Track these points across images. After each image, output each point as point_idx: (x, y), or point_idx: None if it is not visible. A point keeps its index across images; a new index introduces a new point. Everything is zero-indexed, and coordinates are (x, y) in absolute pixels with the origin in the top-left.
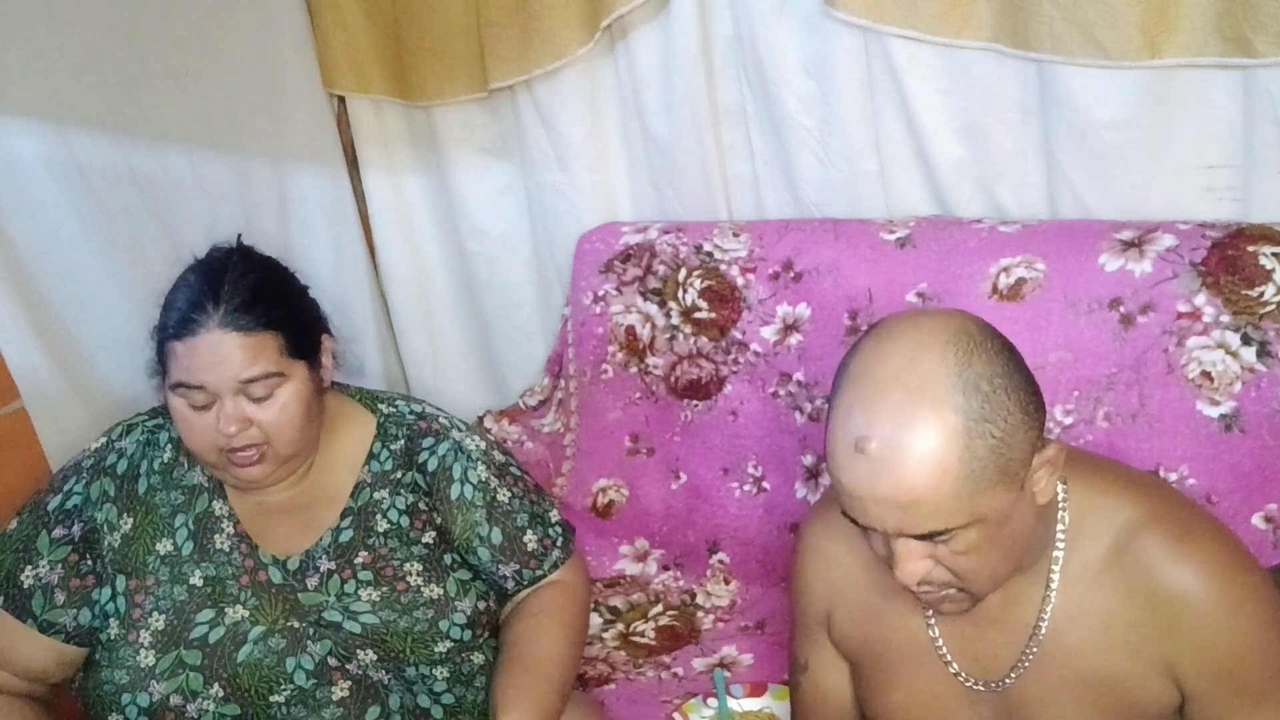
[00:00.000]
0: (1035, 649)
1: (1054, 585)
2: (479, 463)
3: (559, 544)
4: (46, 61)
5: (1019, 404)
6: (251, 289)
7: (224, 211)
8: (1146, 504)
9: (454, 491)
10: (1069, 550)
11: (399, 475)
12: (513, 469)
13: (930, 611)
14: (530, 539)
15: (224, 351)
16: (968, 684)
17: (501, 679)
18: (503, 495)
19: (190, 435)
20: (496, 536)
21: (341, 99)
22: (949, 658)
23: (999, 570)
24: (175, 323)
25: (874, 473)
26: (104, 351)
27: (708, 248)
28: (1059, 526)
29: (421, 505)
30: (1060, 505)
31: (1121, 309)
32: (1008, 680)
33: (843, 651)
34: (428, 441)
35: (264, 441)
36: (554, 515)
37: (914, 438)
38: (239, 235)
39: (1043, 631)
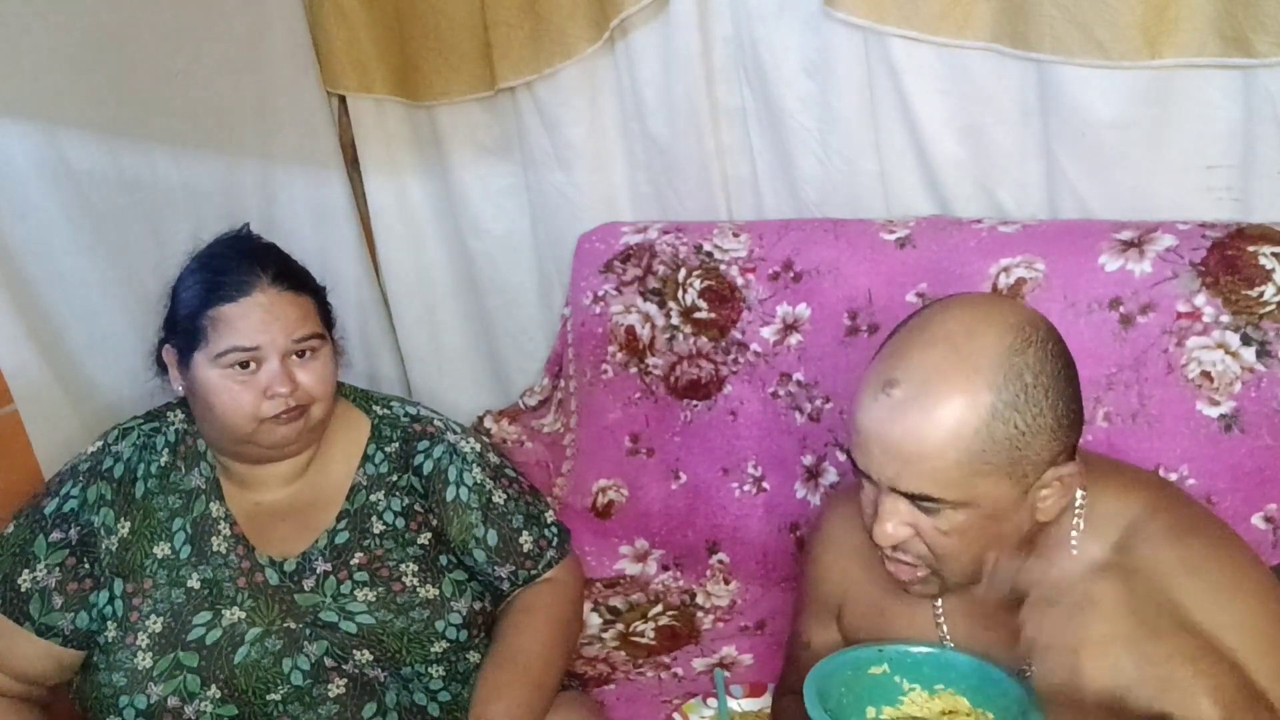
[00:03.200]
0: None
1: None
2: (474, 465)
3: (554, 544)
4: (38, 63)
5: (1054, 410)
6: (285, 257)
7: (210, 213)
8: (1150, 499)
9: (450, 494)
10: (1080, 555)
11: (394, 478)
12: (508, 470)
13: (940, 610)
14: (526, 540)
15: (279, 309)
16: None
17: (484, 674)
18: (498, 497)
19: (234, 407)
20: (492, 538)
21: (342, 99)
22: None
23: (975, 564)
24: (224, 286)
25: (890, 416)
26: (91, 352)
27: (707, 248)
28: (1073, 533)
29: (417, 507)
30: (1076, 511)
31: (1121, 309)
32: None
33: (851, 641)
34: (423, 444)
35: (304, 404)
36: (549, 516)
37: (939, 397)
38: (246, 224)
39: None
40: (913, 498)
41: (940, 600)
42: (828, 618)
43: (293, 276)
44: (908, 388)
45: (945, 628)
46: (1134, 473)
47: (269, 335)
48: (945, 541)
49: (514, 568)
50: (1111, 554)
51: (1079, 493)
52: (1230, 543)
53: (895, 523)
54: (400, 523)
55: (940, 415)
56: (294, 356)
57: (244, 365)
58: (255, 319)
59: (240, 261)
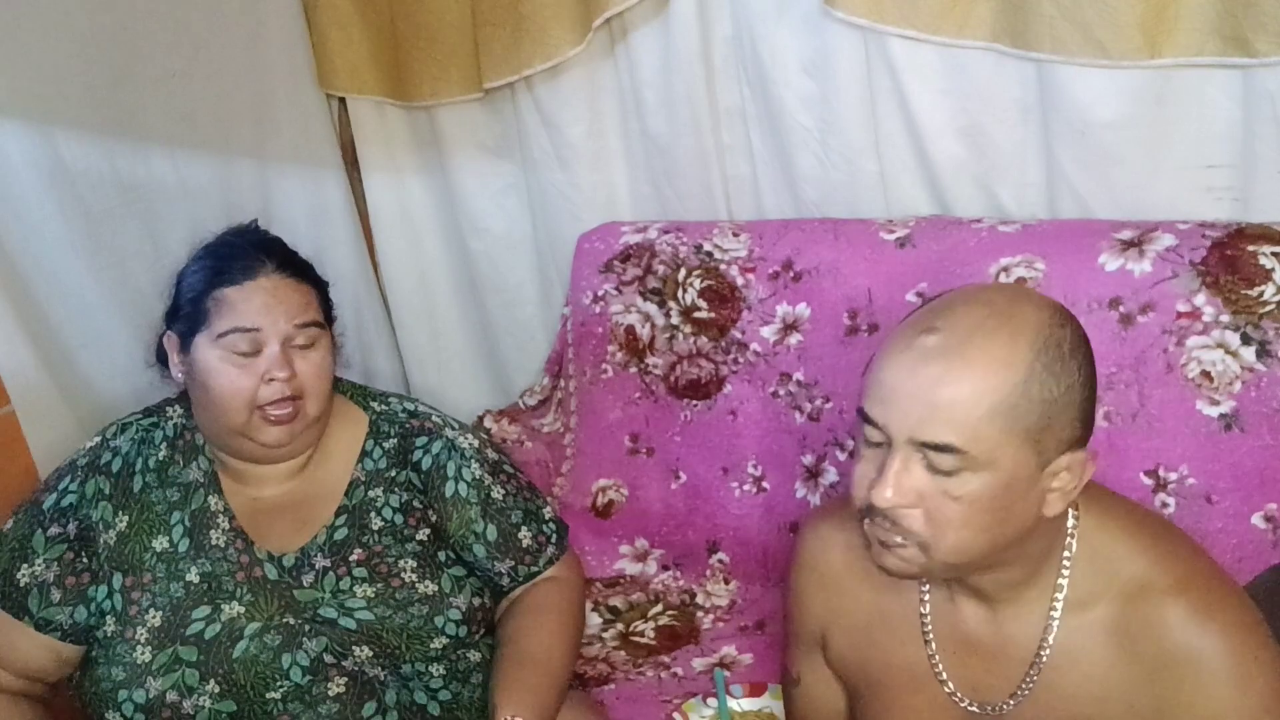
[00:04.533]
0: (1035, 678)
1: (1055, 616)
2: (472, 460)
3: (553, 540)
4: (34, 62)
5: (1082, 389)
6: (291, 249)
7: (206, 213)
8: (1174, 570)
9: (449, 489)
10: (1072, 583)
11: (393, 474)
12: (506, 467)
13: (930, 633)
14: (525, 535)
15: (282, 294)
16: (965, 706)
17: (499, 675)
18: (497, 493)
19: (231, 390)
20: (491, 533)
21: (342, 100)
22: (946, 680)
23: (971, 544)
24: (230, 270)
25: (925, 359)
26: (87, 351)
27: (707, 247)
28: (1064, 554)
29: (416, 503)
30: (1069, 533)
31: (1121, 308)
32: (1006, 706)
33: (839, 673)
34: (421, 440)
35: (300, 395)
36: (548, 512)
37: (982, 347)
38: (254, 219)
39: (1043, 660)
40: (934, 450)
41: (931, 625)
42: (813, 650)
43: (297, 266)
44: (948, 335)
45: (934, 647)
46: (1139, 519)
47: (270, 318)
48: (952, 510)
49: (514, 563)
50: (1113, 610)
51: (1071, 515)
52: (1250, 630)
53: (900, 487)
54: (399, 519)
55: (981, 363)
56: (294, 346)
57: (244, 350)
58: (258, 302)
59: (246, 249)
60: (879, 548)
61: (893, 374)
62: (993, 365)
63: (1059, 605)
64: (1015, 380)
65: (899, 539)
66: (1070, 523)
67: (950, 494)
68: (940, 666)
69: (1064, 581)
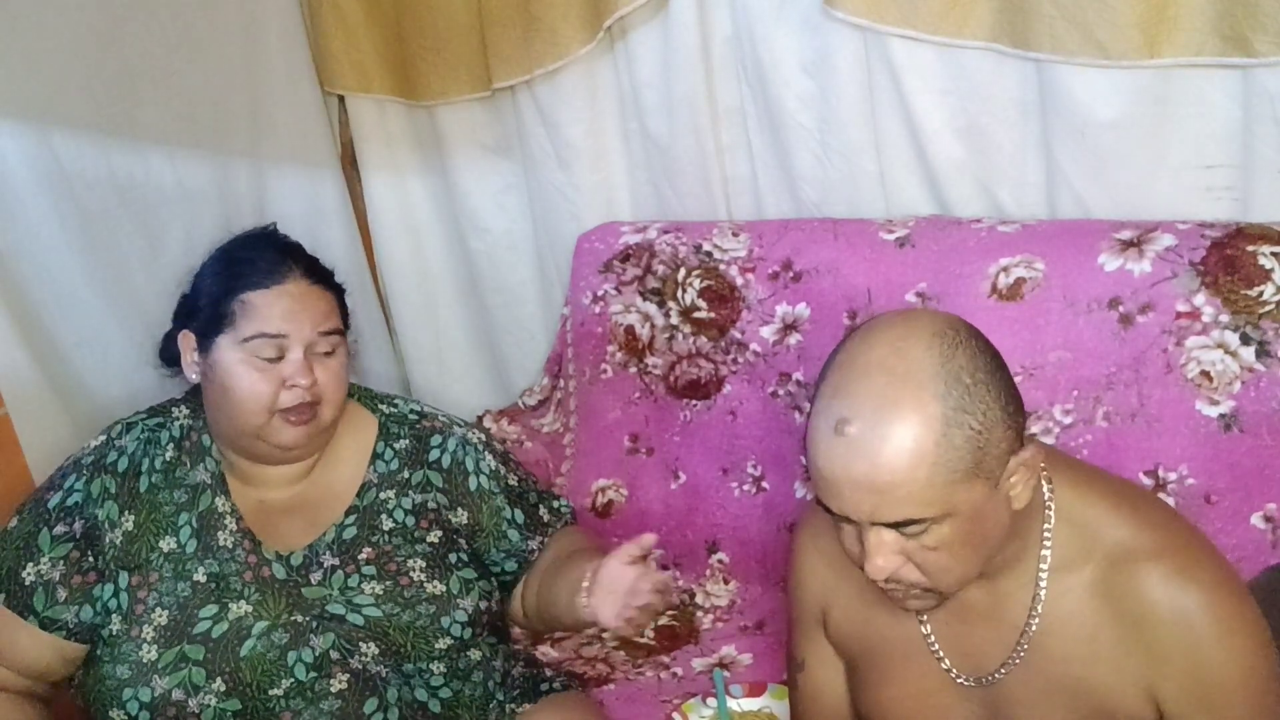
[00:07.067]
0: (1025, 647)
1: (1042, 585)
2: (485, 452)
3: (565, 513)
4: (31, 62)
5: (999, 402)
6: (313, 255)
7: (204, 213)
8: (1153, 536)
9: (472, 484)
10: (1055, 552)
11: (406, 475)
12: (509, 455)
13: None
14: (543, 511)
15: (308, 301)
16: (958, 680)
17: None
18: (512, 479)
19: (252, 394)
20: (519, 516)
21: (341, 99)
22: (940, 654)
23: (967, 570)
24: (255, 273)
25: (851, 454)
26: (82, 353)
27: (707, 247)
28: (1045, 526)
29: (430, 504)
30: (1046, 504)
31: (1121, 309)
32: (996, 676)
33: (838, 649)
34: (436, 439)
35: (318, 402)
36: (553, 492)
37: (894, 422)
38: (274, 223)
39: (1032, 629)
40: (896, 525)
41: None
42: (815, 630)
43: (320, 272)
44: (859, 423)
45: (929, 626)
46: (1114, 486)
47: (296, 324)
48: (935, 557)
49: (541, 539)
50: (1097, 575)
51: (1046, 486)
52: (1228, 589)
53: (885, 555)
54: (410, 520)
55: (899, 439)
56: (316, 353)
57: (268, 354)
58: (284, 307)
59: (271, 253)
60: (896, 598)
61: (830, 470)
62: (910, 436)
63: (1045, 573)
64: (935, 438)
65: (909, 591)
66: (1045, 493)
67: (928, 546)
68: (934, 639)
69: (1047, 553)
